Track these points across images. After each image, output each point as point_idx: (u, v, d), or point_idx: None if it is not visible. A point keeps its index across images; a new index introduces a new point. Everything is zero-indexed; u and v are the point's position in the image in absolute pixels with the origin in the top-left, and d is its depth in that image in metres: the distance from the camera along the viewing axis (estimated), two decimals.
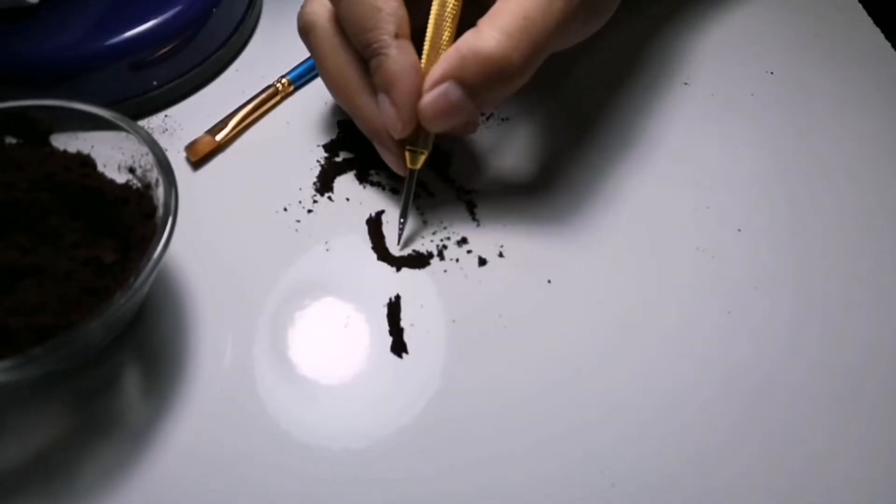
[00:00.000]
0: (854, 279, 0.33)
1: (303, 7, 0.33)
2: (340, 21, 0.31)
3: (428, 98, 0.29)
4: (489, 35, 0.27)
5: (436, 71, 0.29)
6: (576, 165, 0.36)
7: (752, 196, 0.35)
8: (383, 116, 0.30)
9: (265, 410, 0.28)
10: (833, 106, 0.39)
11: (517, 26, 0.27)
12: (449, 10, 0.30)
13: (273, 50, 0.42)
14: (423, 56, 0.30)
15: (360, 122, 0.33)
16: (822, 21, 0.44)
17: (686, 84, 0.40)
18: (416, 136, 0.31)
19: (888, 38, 0.43)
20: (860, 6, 0.45)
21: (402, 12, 0.29)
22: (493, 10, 0.28)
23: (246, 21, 0.42)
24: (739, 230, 0.34)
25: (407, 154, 0.32)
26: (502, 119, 0.38)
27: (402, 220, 0.33)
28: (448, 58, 0.28)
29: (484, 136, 0.37)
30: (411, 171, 0.32)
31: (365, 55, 0.30)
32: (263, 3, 0.44)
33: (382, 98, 0.30)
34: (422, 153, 0.31)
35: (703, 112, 0.39)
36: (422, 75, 0.29)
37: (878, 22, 0.44)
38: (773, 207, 0.35)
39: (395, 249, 0.33)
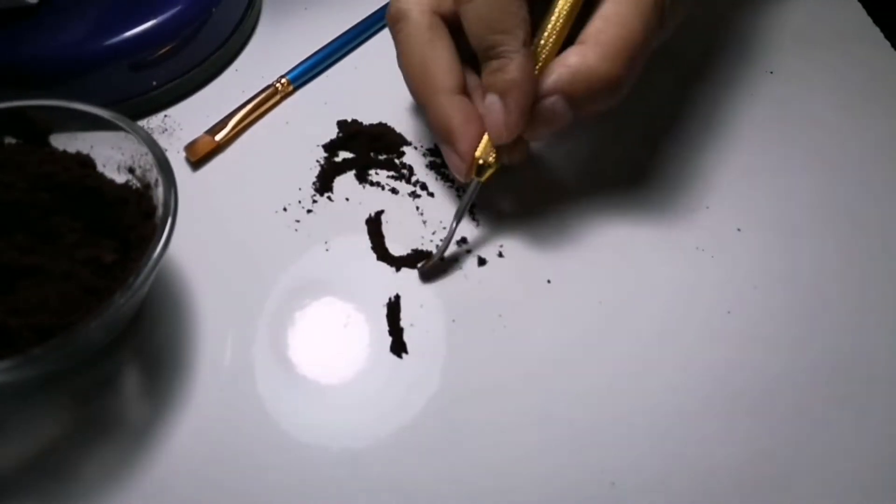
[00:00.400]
0: (853, 279, 0.33)
1: None
2: (464, 17, 0.30)
3: (537, 108, 0.29)
4: (595, 53, 0.29)
5: (546, 84, 0.29)
6: (574, 164, 0.36)
7: (751, 196, 0.35)
8: (489, 117, 0.30)
9: (265, 410, 0.28)
10: (833, 106, 0.39)
11: (619, 45, 0.29)
12: (562, 21, 0.30)
13: (272, 50, 0.42)
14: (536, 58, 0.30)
15: (435, 119, 0.32)
16: (822, 21, 0.44)
17: (685, 88, 0.40)
18: (491, 148, 0.31)
19: (888, 38, 0.43)
20: (860, 6, 0.45)
21: (529, 20, 0.29)
22: (595, 29, 0.29)
23: (245, 21, 0.42)
24: (739, 230, 0.34)
25: (477, 167, 0.31)
26: None
27: (454, 224, 0.32)
28: (557, 73, 0.29)
29: None
30: (474, 182, 0.32)
31: (484, 54, 0.29)
32: (263, 4, 0.44)
33: (493, 100, 0.29)
34: (491, 166, 0.31)
35: (702, 112, 0.39)
36: (537, 86, 0.29)
37: (878, 22, 0.44)
38: (773, 208, 0.35)
39: (436, 257, 0.32)
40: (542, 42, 0.30)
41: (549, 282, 0.32)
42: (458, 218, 0.32)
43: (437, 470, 0.27)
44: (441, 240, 0.32)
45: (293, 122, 0.38)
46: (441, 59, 0.31)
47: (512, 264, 0.33)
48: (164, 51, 0.37)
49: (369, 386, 0.29)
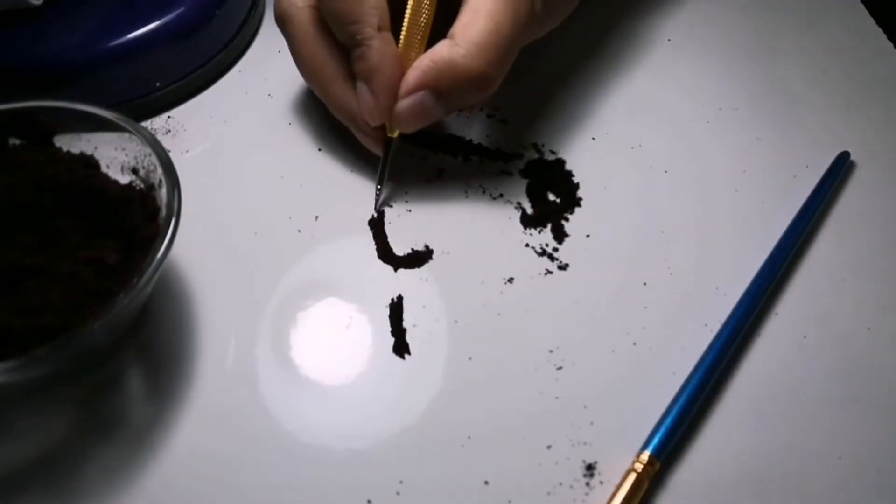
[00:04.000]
0: (854, 279, 0.33)
1: None
2: (323, 12, 0.32)
3: (404, 104, 0.31)
4: (464, 48, 0.30)
5: (410, 78, 0.31)
6: (573, 158, 0.36)
7: (751, 195, 0.35)
8: (361, 104, 0.32)
9: (267, 411, 0.28)
10: (834, 106, 0.39)
11: (488, 39, 0.30)
12: (425, 6, 0.31)
13: (276, 51, 0.42)
14: (400, 48, 0.32)
15: (336, 108, 0.34)
16: (823, 21, 0.44)
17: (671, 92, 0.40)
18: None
19: (889, 38, 0.43)
20: (862, 6, 0.45)
21: (384, 5, 0.31)
22: (464, 22, 0.30)
23: (249, 22, 0.42)
24: (739, 229, 0.34)
25: (388, 123, 0.33)
26: (488, 116, 0.38)
27: (378, 187, 0.34)
28: (423, 68, 0.30)
29: (480, 133, 0.37)
30: (389, 140, 0.33)
31: (347, 45, 0.31)
32: (266, 4, 0.44)
33: (361, 86, 0.31)
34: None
35: (700, 114, 0.39)
36: (401, 67, 0.31)
37: (879, 22, 0.44)
38: (774, 206, 0.35)
39: (372, 212, 0.34)
40: (406, 28, 0.32)
41: (549, 280, 0.32)
42: (381, 181, 0.34)
43: (439, 470, 0.27)
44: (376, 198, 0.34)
45: (296, 122, 0.38)
46: (328, 52, 0.33)
47: (513, 264, 0.33)
48: (167, 52, 0.37)
49: (372, 386, 0.29)
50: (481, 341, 0.30)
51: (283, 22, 0.34)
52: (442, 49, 0.30)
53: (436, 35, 0.31)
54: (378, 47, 0.30)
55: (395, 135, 0.33)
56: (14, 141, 0.29)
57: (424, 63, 0.30)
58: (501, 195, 0.35)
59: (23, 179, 0.27)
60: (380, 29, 0.30)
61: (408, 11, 0.32)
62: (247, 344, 0.30)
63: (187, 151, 0.37)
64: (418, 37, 0.32)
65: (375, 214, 0.34)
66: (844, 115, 0.39)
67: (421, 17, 0.32)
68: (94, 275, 0.26)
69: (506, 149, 0.37)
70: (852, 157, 0.37)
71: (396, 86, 0.31)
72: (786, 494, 0.27)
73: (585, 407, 0.29)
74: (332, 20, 0.31)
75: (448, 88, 0.30)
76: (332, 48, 0.32)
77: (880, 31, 0.43)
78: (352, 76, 0.32)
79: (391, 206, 0.35)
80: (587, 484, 0.27)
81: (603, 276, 0.32)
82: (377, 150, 0.34)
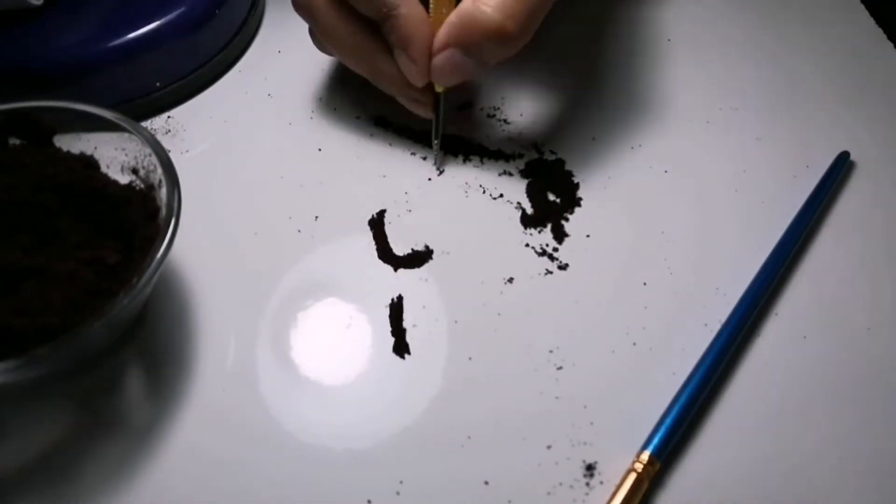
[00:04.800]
0: (854, 279, 0.33)
1: None
2: None
3: (437, 62, 0.32)
4: (486, 5, 0.30)
5: (440, 37, 0.31)
6: (573, 158, 0.36)
7: (751, 195, 0.35)
8: (404, 70, 0.33)
9: (267, 411, 0.28)
10: (834, 107, 0.39)
11: None
12: None
13: (276, 51, 0.42)
14: (431, 10, 0.32)
15: (380, 80, 0.34)
16: (823, 21, 0.44)
17: (674, 95, 0.40)
18: None
19: (890, 38, 0.43)
20: (862, 6, 0.45)
21: None
22: None
23: (249, 22, 0.42)
24: (739, 229, 0.34)
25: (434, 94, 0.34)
26: (499, 118, 0.38)
27: (436, 142, 0.35)
28: (451, 25, 0.31)
29: (480, 133, 0.37)
30: (438, 96, 0.34)
31: (376, 18, 0.32)
32: (266, 5, 0.44)
33: (400, 55, 0.32)
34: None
35: (700, 114, 0.39)
36: (432, 27, 0.32)
37: (880, 23, 0.44)
38: (774, 206, 0.35)
39: (434, 170, 0.36)
40: None
41: (550, 280, 0.32)
42: (437, 134, 0.35)
43: (439, 470, 0.27)
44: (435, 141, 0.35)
45: (296, 122, 0.38)
46: (358, 29, 0.33)
47: (513, 264, 0.33)
48: (167, 52, 0.37)
49: (372, 386, 0.29)
50: (481, 341, 0.30)
51: (305, 7, 0.34)
52: (466, 4, 0.30)
53: None
54: (407, 14, 0.31)
55: (442, 90, 0.34)
56: (14, 141, 0.29)
57: (451, 20, 0.31)
58: (501, 195, 0.35)
59: (23, 179, 0.27)
60: None
61: None
62: (247, 344, 0.30)
63: (187, 151, 0.37)
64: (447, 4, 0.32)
65: (376, 215, 0.34)
66: (844, 115, 0.39)
67: None
68: (94, 275, 0.26)
69: (506, 149, 0.37)
70: (852, 157, 0.37)
71: (429, 51, 0.32)
72: (786, 494, 0.27)
73: (585, 407, 0.29)
74: None
75: (473, 43, 0.31)
76: (362, 24, 0.33)
77: (880, 31, 0.43)
78: (386, 47, 0.33)
79: (391, 207, 0.34)
80: (587, 484, 0.27)
81: (603, 276, 0.32)
82: (426, 114, 0.35)
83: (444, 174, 0.36)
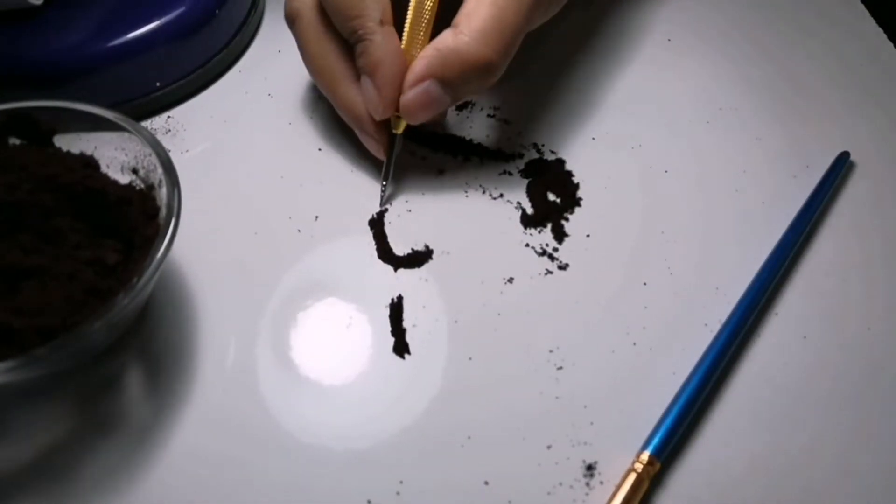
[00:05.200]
0: (854, 278, 0.33)
1: None
2: (326, 7, 0.32)
3: (410, 94, 0.31)
4: (468, 36, 0.30)
5: (416, 68, 0.31)
6: (573, 158, 0.36)
7: (751, 195, 0.35)
8: (366, 98, 0.32)
9: (267, 411, 0.28)
10: (834, 107, 0.39)
11: (492, 26, 0.30)
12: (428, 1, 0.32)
13: (276, 51, 0.42)
14: (404, 41, 0.32)
15: (341, 108, 0.34)
16: (823, 21, 0.44)
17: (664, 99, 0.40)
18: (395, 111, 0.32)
19: (890, 38, 0.43)
20: (862, 6, 0.45)
21: (386, 0, 0.31)
22: (468, 10, 0.30)
23: (249, 22, 0.42)
24: (739, 229, 0.34)
25: (392, 119, 0.33)
26: (490, 115, 0.38)
27: (384, 183, 0.34)
28: (429, 57, 0.30)
29: (480, 133, 0.37)
30: (394, 136, 0.34)
31: (350, 41, 0.31)
32: (266, 4, 0.44)
33: (366, 81, 0.31)
34: (404, 119, 0.33)
35: (700, 114, 0.39)
36: (404, 60, 0.31)
37: (880, 23, 0.44)
38: (774, 206, 0.35)
39: (376, 208, 0.34)
40: (413, 17, 0.32)
41: (550, 280, 0.32)
42: (386, 176, 0.34)
43: (439, 470, 0.27)
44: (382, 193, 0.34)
45: (296, 122, 0.38)
46: (335, 51, 0.33)
47: (513, 264, 0.33)
48: (167, 52, 0.37)
49: (372, 386, 0.29)
50: (481, 341, 0.30)
51: (291, 20, 0.34)
52: (446, 38, 0.30)
53: (439, 29, 0.31)
54: (380, 42, 0.30)
55: (400, 130, 0.33)
56: (14, 141, 0.29)
57: (429, 52, 0.30)
58: (501, 195, 0.35)
59: (23, 179, 0.27)
60: (382, 23, 0.30)
61: (411, 5, 0.32)
62: (247, 344, 0.30)
63: (187, 151, 0.37)
64: (422, 30, 0.32)
65: (376, 215, 0.34)
66: (844, 115, 0.39)
67: (424, 10, 0.32)
68: (94, 275, 0.26)
69: (506, 149, 0.37)
70: (852, 157, 0.37)
71: (400, 79, 0.31)
72: (786, 494, 0.27)
73: (585, 407, 0.29)
74: (335, 15, 0.31)
75: (453, 76, 0.30)
76: (340, 47, 0.33)
77: (880, 31, 0.43)
78: (357, 75, 0.32)
79: (391, 206, 0.34)
80: (587, 484, 0.27)
81: (603, 276, 0.32)
82: (380, 155, 0.34)
83: (444, 174, 0.36)
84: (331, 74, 0.33)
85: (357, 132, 0.34)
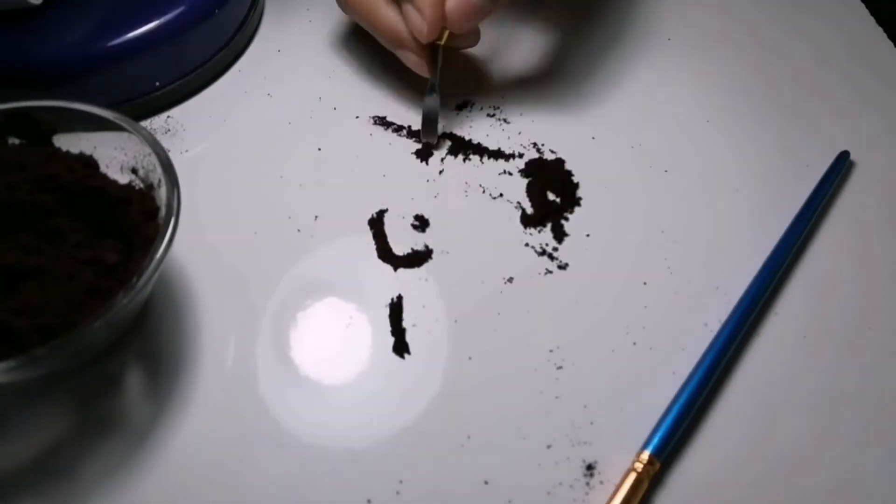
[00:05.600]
0: (854, 278, 0.33)
1: None
2: None
3: (453, 3, 0.32)
4: None
5: None
6: (573, 158, 0.36)
7: (751, 195, 0.35)
8: (410, 23, 0.33)
9: (267, 411, 0.28)
10: (834, 107, 0.39)
11: None
12: None
13: (275, 51, 0.42)
14: None
15: (381, 30, 0.35)
16: (823, 20, 0.44)
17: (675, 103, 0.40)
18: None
19: (890, 38, 0.43)
20: (862, 6, 0.45)
21: None
22: None
23: (248, 22, 0.42)
24: (739, 229, 0.34)
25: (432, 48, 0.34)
26: (498, 118, 0.38)
27: (434, 95, 0.35)
28: None
29: (480, 133, 0.37)
30: (436, 47, 0.34)
31: None
32: (266, 4, 0.44)
33: (406, 6, 0.33)
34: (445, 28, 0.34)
35: (700, 114, 0.39)
36: None
37: (880, 23, 0.44)
38: (774, 206, 0.35)
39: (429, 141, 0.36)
40: None
41: (550, 279, 0.32)
42: (433, 88, 0.35)
43: (439, 470, 0.27)
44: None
45: (295, 122, 0.38)
46: None
47: (513, 264, 0.33)
48: (167, 51, 0.37)
49: (371, 386, 0.29)
50: (481, 341, 0.30)
51: None
52: None
53: None
54: None
55: (444, 41, 0.34)
56: (14, 141, 0.29)
57: None
58: (501, 195, 0.35)
59: (22, 179, 0.27)
60: None
61: None
62: (246, 343, 0.30)
63: (187, 151, 0.37)
64: None
65: (375, 214, 0.34)
66: (844, 115, 0.39)
67: None
68: (94, 274, 0.26)
69: (506, 149, 0.37)
70: (852, 157, 0.37)
71: (441, 2, 0.32)
72: (785, 494, 0.27)
73: (585, 407, 0.29)
74: None
75: None
76: None
77: (880, 30, 0.43)
78: (394, 0, 0.33)
79: (390, 208, 0.34)
80: (587, 484, 0.27)
81: (603, 276, 0.32)
82: (423, 72, 0.35)
83: (443, 174, 0.36)
84: (368, 3, 0.34)
85: (398, 53, 0.35)
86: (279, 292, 0.32)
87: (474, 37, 0.37)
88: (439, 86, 0.35)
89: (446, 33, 0.34)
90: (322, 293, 0.32)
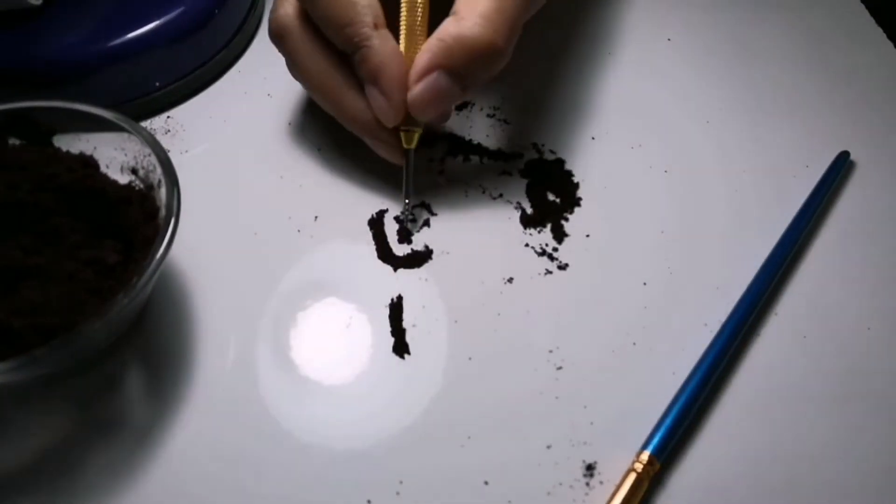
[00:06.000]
0: (854, 278, 0.33)
1: (272, 11, 0.33)
2: (316, 21, 0.31)
3: (418, 89, 0.30)
4: (470, 21, 0.29)
5: (421, 61, 0.30)
6: (573, 158, 0.36)
7: (751, 195, 0.35)
8: (374, 107, 0.31)
9: (267, 411, 0.28)
10: (834, 107, 0.39)
11: (494, 8, 0.29)
12: None
13: (275, 51, 0.42)
14: (401, 42, 0.31)
15: (347, 120, 0.33)
16: (823, 20, 0.44)
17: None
18: (405, 118, 0.31)
19: (890, 38, 0.43)
20: (862, 6, 0.45)
21: (376, 2, 0.30)
22: None
23: (248, 22, 0.42)
24: (739, 229, 0.34)
25: (402, 135, 0.32)
26: (489, 115, 0.38)
27: (406, 202, 0.33)
28: (432, 47, 0.29)
29: (480, 133, 0.37)
30: (408, 151, 0.33)
31: (347, 50, 0.30)
32: (266, 4, 0.44)
33: (371, 89, 0.30)
34: (415, 131, 0.32)
35: (700, 114, 0.39)
36: (405, 61, 0.30)
37: (880, 23, 0.44)
38: (774, 206, 0.35)
39: (405, 243, 0.33)
40: (408, 15, 0.31)
41: (549, 280, 0.32)
42: (407, 194, 0.33)
43: (439, 470, 0.27)
44: (403, 212, 0.34)
45: (295, 122, 0.38)
46: (330, 63, 0.32)
47: (513, 264, 0.33)
48: (167, 52, 0.37)
49: (371, 386, 0.29)
50: (481, 341, 0.30)
51: (278, 37, 0.32)
52: (448, 26, 0.29)
53: (433, 26, 0.31)
54: (378, 46, 0.29)
55: (413, 145, 0.32)
56: (14, 141, 0.29)
57: (432, 43, 0.29)
58: (501, 195, 0.35)
59: (22, 179, 0.27)
60: (376, 27, 0.30)
61: (403, 5, 0.31)
62: (246, 344, 0.30)
63: (187, 151, 0.37)
64: (418, 28, 0.31)
65: (375, 215, 0.34)
66: (844, 115, 0.39)
67: (417, 5, 0.31)
68: (94, 275, 0.26)
69: (506, 149, 0.37)
70: (852, 157, 0.37)
71: (405, 81, 0.30)
72: (785, 494, 0.27)
73: (585, 407, 0.29)
74: (327, 27, 0.30)
75: (460, 64, 0.29)
76: (336, 59, 0.32)
77: (880, 31, 0.43)
78: (358, 84, 0.31)
79: (389, 208, 0.34)
80: (587, 484, 0.27)
81: (603, 276, 0.32)
82: (396, 160, 0.33)
83: (444, 174, 0.36)
84: (332, 88, 0.32)
85: (369, 142, 0.33)
86: (279, 292, 0.32)
87: (444, 118, 0.35)
88: (413, 192, 0.33)
89: (416, 137, 0.32)
90: (322, 293, 0.32)
